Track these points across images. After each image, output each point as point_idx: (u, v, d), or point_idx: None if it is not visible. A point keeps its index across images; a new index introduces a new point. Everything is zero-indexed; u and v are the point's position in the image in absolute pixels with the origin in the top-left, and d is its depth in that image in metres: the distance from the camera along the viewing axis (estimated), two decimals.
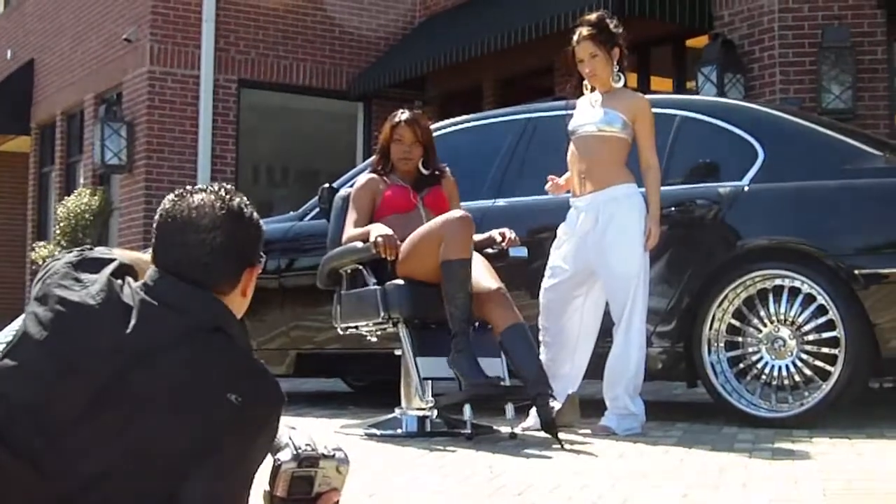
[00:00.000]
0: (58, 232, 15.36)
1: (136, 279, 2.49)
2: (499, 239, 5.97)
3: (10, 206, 20.53)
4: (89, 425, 2.29)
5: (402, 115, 6.15)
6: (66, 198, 15.81)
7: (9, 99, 18.74)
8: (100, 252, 2.56)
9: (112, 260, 2.51)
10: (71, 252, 2.56)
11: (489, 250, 5.97)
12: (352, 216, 6.04)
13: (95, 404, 2.30)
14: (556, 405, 5.29)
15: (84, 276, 2.44)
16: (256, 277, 2.57)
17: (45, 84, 18.30)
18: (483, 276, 5.69)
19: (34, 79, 18.70)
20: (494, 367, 5.65)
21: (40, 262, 15.25)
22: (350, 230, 5.99)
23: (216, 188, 2.53)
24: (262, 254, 2.58)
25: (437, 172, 6.18)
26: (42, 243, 16.00)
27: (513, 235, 5.98)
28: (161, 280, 2.43)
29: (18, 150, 19.78)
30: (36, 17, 18.78)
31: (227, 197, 2.51)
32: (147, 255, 2.56)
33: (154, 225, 2.50)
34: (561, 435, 5.31)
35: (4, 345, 2.44)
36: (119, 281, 2.43)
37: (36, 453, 2.29)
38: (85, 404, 2.30)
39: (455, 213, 5.65)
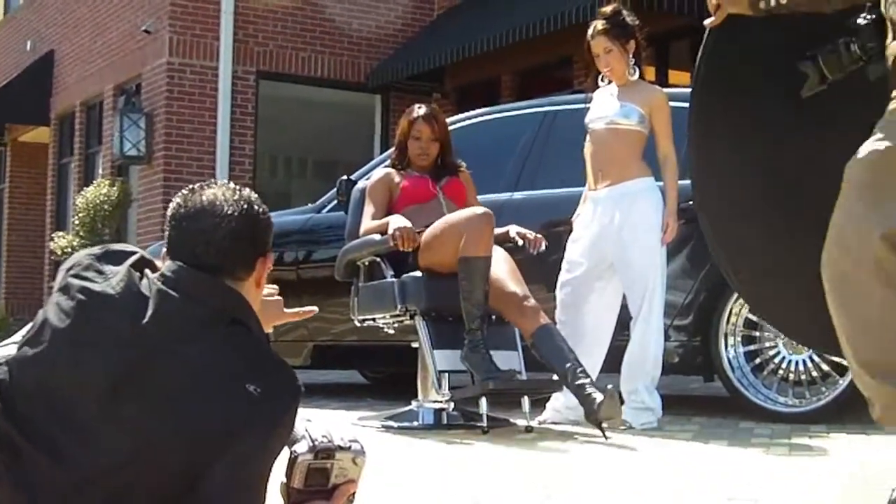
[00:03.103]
0: (77, 222, 15.41)
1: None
2: (520, 242, 5.92)
3: (30, 196, 20.60)
4: (107, 414, 2.30)
5: (420, 110, 6.15)
6: (85, 188, 15.85)
7: (28, 90, 18.81)
8: (122, 246, 2.59)
9: (133, 253, 2.54)
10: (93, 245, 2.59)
11: (508, 244, 5.97)
12: (368, 209, 6.05)
13: (113, 393, 2.31)
14: (598, 396, 5.26)
15: (106, 268, 2.46)
16: (269, 269, 2.61)
17: (64, 75, 18.35)
18: (507, 277, 5.67)
19: (54, 70, 18.76)
20: (511, 360, 5.66)
21: (59, 253, 15.30)
22: (367, 222, 6.00)
23: (226, 182, 2.60)
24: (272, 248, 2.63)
25: (453, 165, 6.19)
26: (61, 233, 16.04)
27: (533, 236, 5.94)
28: (178, 270, 2.45)
29: (38, 141, 19.84)
30: (56, 8, 18.83)
31: (238, 188, 2.57)
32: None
33: (168, 218, 2.54)
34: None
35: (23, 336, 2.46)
36: (138, 273, 2.46)
37: (54, 442, 2.30)
38: (103, 393, 2.31)
39: (477, 210, 5.63)
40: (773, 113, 3.89)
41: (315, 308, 3.00)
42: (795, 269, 3.76)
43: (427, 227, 5.77)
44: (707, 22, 3.68)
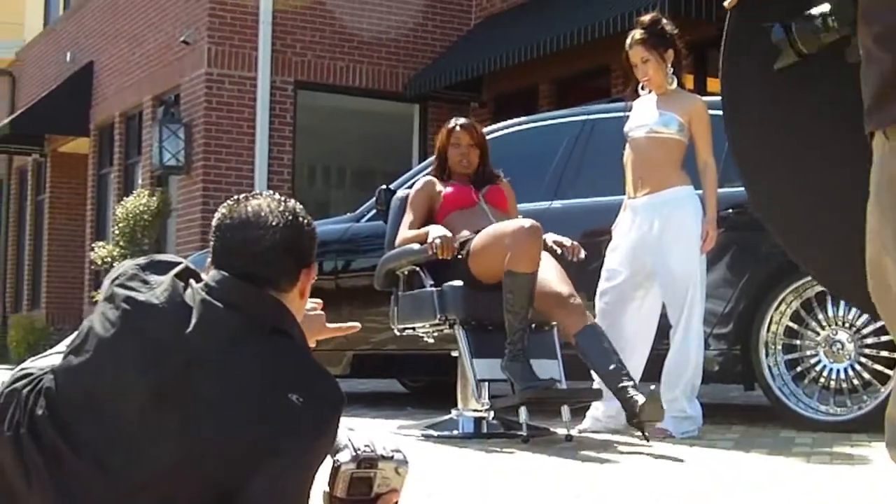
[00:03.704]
0: (116, 232, 15.48)
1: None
2: (557, 250, 5.89)
3: (70, 206, 20.71)
4: (150, 423, 2.32)
5: (458, 120, 6.25)
6: (124, 199, 15.93)
7: (68, 101, 18.92)
8: (168, 256, 2.61)
9: (178, 263, 2.55)
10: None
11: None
12: (408, 218, 6.07)
13: (157, 402, 2.32)
14: (639, 398, 5.25)
15: (151, 278, 2.48)
16: (313, 280, 2.61)
17: (103, 86, 18.45)
18: (553, 277, 5.67)
19: (93, 81, 18.86)
20: (551, 368, 5.65)
21: (99, 262, 15.38)
22: (405, 232, 6.01)
23: (271, 193, 2.61)
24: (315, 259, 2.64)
25: (493, 174, 6.21)
26: (101, 243, 16.12)
27: (570, 244, 5.93)
28: (222, 281, 2.46)
29: (78, 152, 19.95)
30: (94, 19, 18.94)
31: (283, 199, 2.58)
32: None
33: (213, 229, 2.55)
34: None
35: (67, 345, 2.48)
36: (182, 283, 2.47)
37: (97, 450, 2.32)
38: (146, 402, 2.32)
39: (525, 223, 5.60)
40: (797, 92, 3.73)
41: (358, 324, 3.01)
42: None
43: (474, 231, 5.78)
44: (726, 3, 3.64)
